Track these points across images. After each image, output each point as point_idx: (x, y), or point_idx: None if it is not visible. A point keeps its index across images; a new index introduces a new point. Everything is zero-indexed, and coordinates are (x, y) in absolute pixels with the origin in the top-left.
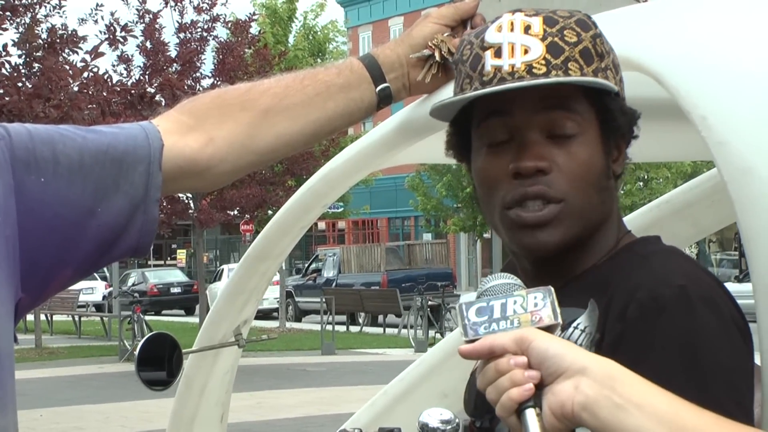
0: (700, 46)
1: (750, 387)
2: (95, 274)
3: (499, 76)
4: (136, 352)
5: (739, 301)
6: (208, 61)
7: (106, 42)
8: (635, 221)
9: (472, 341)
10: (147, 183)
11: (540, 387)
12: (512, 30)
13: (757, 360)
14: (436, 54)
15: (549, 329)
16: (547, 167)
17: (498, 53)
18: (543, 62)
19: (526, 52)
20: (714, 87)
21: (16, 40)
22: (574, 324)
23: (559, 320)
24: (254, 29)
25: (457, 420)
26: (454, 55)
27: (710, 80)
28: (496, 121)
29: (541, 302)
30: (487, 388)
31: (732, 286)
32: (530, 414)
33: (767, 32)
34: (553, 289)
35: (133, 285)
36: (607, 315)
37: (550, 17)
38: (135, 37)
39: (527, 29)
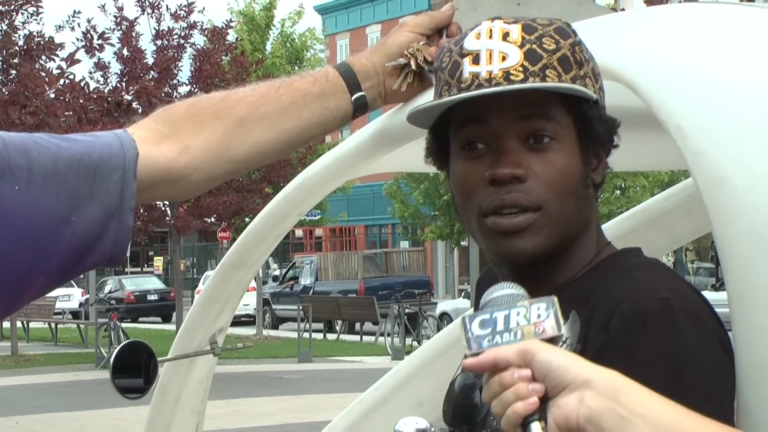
0: (675, 56)
1: (732, 400)
2: (72, 281)
3: (477, 82)
4: (111, 360)
5: (717, 310)
6: (185, 69)
7: (83, 49)
8: (611, 230)
9: (476, 354)
10: (122, 191)
11: (544, 400)
12: (491, 37)
13: None
14: (412, 63)
15: (552, 341)
16: (524, 174)
17: (476, 60)
18: (520, 69)
19: (504, 59)
20: (689, 97)
21: None
22: None
23: (563, 331)
24: (231, 36)
25: (432, 429)
26: (430, 63)
27: (685, 90)
28: (473, 128)
29: (545, 313)
30: (491, 402)
31: (709, 295)
32: (535, 427)
33: (742, 42)
34: (556, 299)
35: (110, 292)
36: (590, 326)
37: (529, 25)
38: (112, 44)
39: (506, 36)
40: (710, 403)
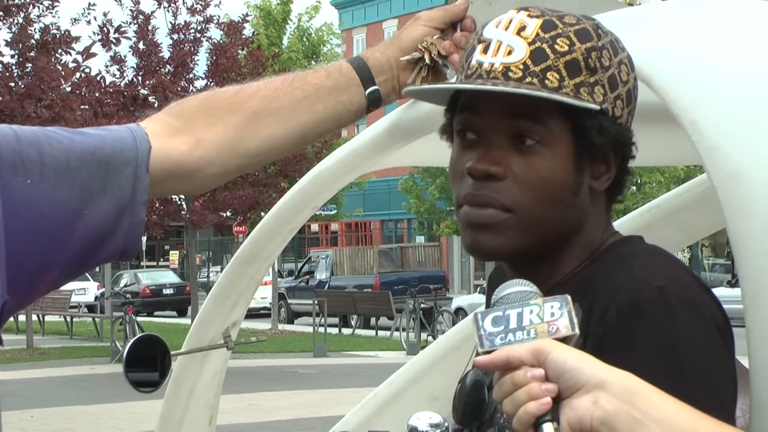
0: (690, 51)
1: (731, 389)
2: (87, 275)
3: (479, 72)
4: (124, 354)
5: (732, 306)
6: (201, 63)
7: (99, 43)
8: (625, 225)
9: (488, 352)
10: (134, 185)
11: (557, 400)
12: (507, 29)
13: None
14: (426, 57)
15: (566, 340)
16: (501, 173)
17: (486, 49)
18: (521, 66)
19: (509, 53)
20: (704, 91)
21: (9, 40)
22: None
23: (577, 331)
24: (248, 31)
25: (446, 424)
26: (444, 57)
27: (700, 84)
28: (468, 116)
29: (558, 312)
30: (503, 401)
31: (724, 291)
32: (548, 428)
33: (758, 37)
34: (570, 297)
35: (126, 286)
36: (590, 318)
37: (550, 21)
38: (128, 38)
39: (521, 30)
40: (708, 391)
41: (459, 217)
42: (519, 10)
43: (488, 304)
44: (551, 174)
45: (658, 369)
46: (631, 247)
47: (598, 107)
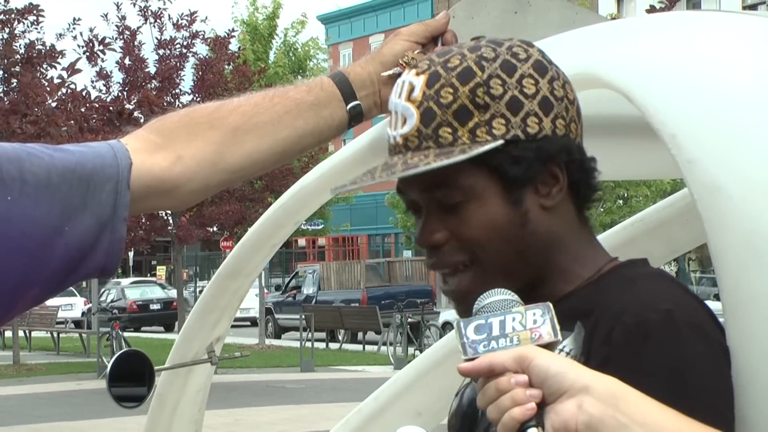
0: (669, 64)
1: (734, 414)
2: (74, 290)
3: (390, 146)
4: (108, 369)
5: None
6: (187, 78)
7: (85, 57)
8: (609, 239)
9: (472, 359)
10: (115, 202)
11: (542, 406)
12: (400, 95)
13: None
14: (407, 72)
15: (549, 346)
16: (439, 240)
17: (390, 122)
18: (416, 134)
19: (404, 122)
20: (684, 105)
21: None
22: (560, 346)
23: (559, 337)
24: (234, 45)
25: None
26: None
27: (680, 98)
28: (401, 194)
29: (540, 319)
30: (487, 408)
31: (712, 305)
32: None
33: (737, 51)
34: (551, 305)
35: (113, 301)
36: (592, 338)
37: (435, 74)
38: (114, 50)
39: (410, 93)
40: (714, 416)
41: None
42: (411, 68)
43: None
44: (489, 221)
45: (665, 391)
46: (637, 270)
47: (500, 141)
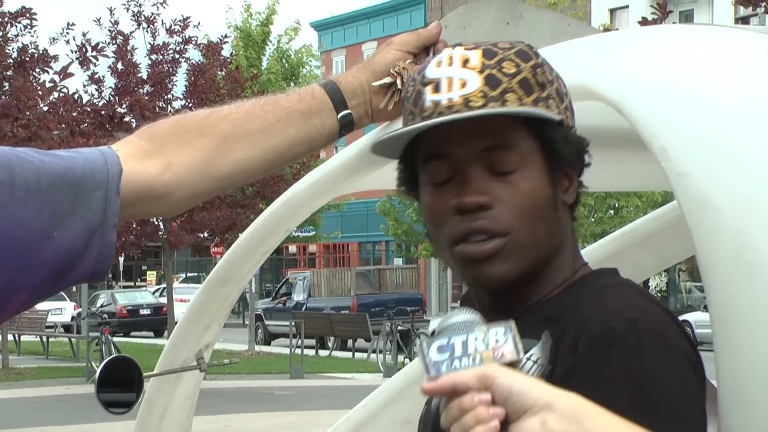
0: (660, 77)
1: (700, 424)
2: (64, 295)
3: (438, 110)
4: (97, 375)
5: (708, 331)
6: (179, 83)
7: (77, 62)
8: (599, 251)
9: (435, 379)
10: (105, 208)
11: (505, 424)
12: (451, 64)
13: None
14: (398, 81)
15: (512, 365)
16: (489, 202)
17: (437, 88)
18: (480, 95)
19: (463, 85)
20: (674, 118)
21: None
22: (527, 355)
23: (521, 356)
24: (226, 51)
25: None
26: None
27: (670, 111)
28: (437, 162)
29: (503, 338)
30: (450, 426)
31: (701, 315)
32: None
33: (728, 65)
34: (514, 323)
35: (102, 306)
36: (559, 347)
37: (489, 50)
38: (106, 56)
39: (465, 63)
40: (677, 425)
41: (452, 256)
42: (454, 46)
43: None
44: (533, 192)
45: (628, 400)
46: (605, 279)
47: (558, 118)
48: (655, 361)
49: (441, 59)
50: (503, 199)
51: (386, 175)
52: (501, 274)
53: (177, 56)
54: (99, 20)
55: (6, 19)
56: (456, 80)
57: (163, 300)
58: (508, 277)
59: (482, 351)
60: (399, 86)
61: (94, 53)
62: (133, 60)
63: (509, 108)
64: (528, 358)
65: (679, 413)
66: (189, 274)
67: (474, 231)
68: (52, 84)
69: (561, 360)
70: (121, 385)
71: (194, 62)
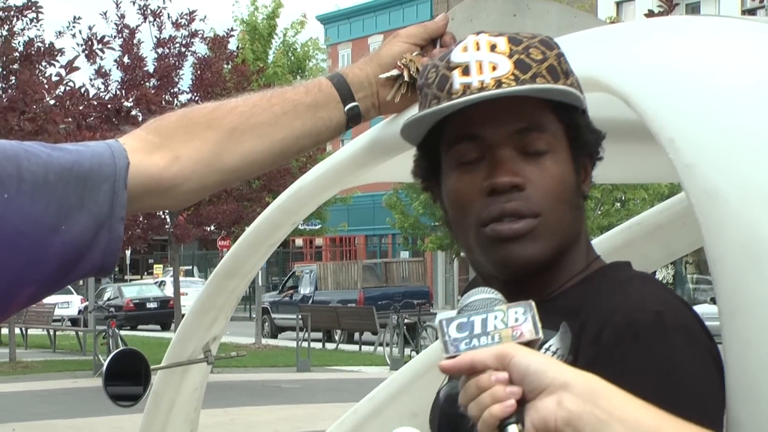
0: (668, 68)
1: (721, 417)
2: (71, 288)
3: (469, 92)
4: (104, 368)
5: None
6: (186, 77)
7: (84, 55)
8: (606, 243)
9: (453, 357)
10: (112, 201)
11: (522, 403)
12: (478, 49)
13: None
14: (405, 74)
15: (530, 344)
16: (522, 183)
17: (466, 71)
18: (512, 77)
19: (494, 68)
20: (682, 109)
21: None
22: (546, 345)
23: (540, 335)
24: (232, 44)
25: None
26: None
27: (678, 102)
28: (466, 145)
29: (522, 317)
30: (468, 405)
31: (708, 308)
32: (512, 430)
33: (735, 55)
34: (534, 303)
35: (109, 299)
36: (581, 338)
37: (514, 37)
38: (112, 48)
39: (493, 48)
40: (700, 417)
41: (479, 237)
42: (477, 33)
43: None
44: (562, 176)
45: (652, 391)
46: (624, 272)
47: (585, 105)
48: (680, 353)
49: (467, 44)
50: (534, 181)
51: (393, 168)
52: (528, 255)
53: (183, 50)
54: (105, 14)
55: (12, 12)
56: (486, 63)
57: (169, 292)
58: (534, 259)
59: (501, 329)
60: (406, 78)
61: (101, 47)
62: (140, 53)
63: (550, 85)
64: (547, 349)
65: (703, 405)
66: (184, 267)
67: (508, 212)
68: (58, 78)
69: (583, 351)
70: (128, 378)
71: (200, 56)
